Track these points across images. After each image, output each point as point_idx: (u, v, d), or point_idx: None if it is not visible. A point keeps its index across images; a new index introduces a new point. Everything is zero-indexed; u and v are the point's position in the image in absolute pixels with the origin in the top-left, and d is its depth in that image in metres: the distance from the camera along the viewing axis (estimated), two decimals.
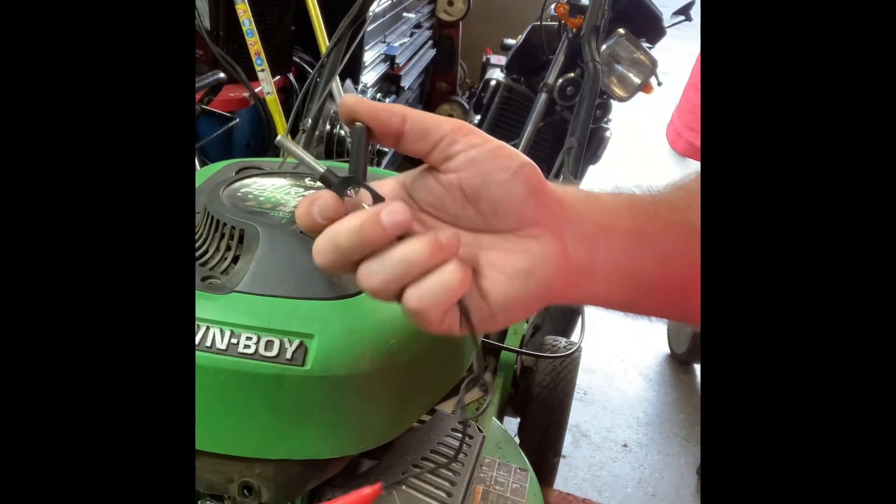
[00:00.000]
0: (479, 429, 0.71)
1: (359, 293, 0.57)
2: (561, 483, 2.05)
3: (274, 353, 0.53)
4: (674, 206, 0.46)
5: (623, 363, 2.67)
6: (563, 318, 1.73)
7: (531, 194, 0.41)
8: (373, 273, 0.40)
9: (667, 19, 2.37)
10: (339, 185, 0.43)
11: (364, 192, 0.43)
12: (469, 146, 0.42)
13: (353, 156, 0.44)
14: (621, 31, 2.08)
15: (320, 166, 0.46)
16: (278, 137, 0.48)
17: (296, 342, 0.53)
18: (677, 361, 2.70)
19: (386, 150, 2.87)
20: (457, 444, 0.68)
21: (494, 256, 0.42)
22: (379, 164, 2.74)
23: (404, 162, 3.71)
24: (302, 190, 0.68)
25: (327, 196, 0.42)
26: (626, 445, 2.26)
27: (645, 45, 2.19)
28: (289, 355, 0.53)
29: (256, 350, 0.53)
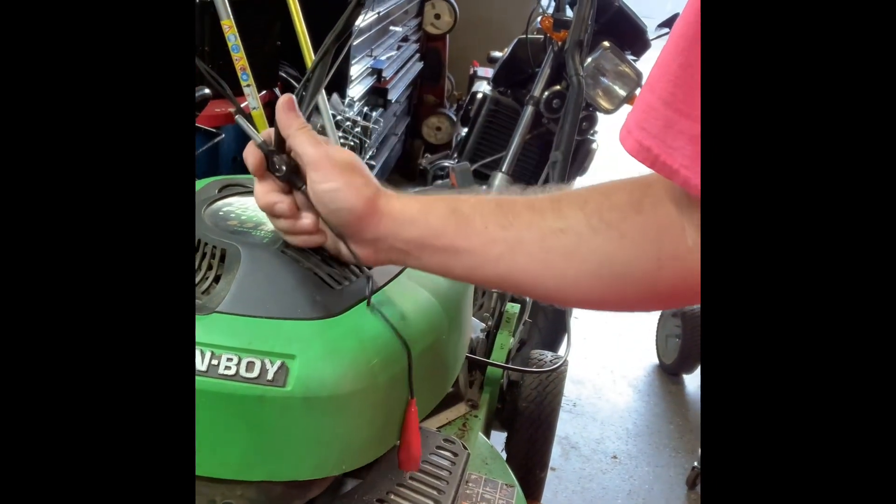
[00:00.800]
0: (463, 446, 0.71)
1: (340, 313, 0.57)
2: (550, 495, 2.05)
3: (255, 374, 0.53)
4: (505, 223, 0.55)
5: (612, 374, 2.68)
6: (550, 331, 1.73)
7: (350, 223, 0.58)
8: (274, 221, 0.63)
9: (651, 32, 2.39)
10: (268, 152, 0.61)
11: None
12: (316, 182, 0.58)
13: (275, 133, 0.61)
14: (606, 44, 2.09)
15: (259, 138, 0.62)
16: (236, 115, 0.65)
17: (277, 363, 0.53)
18: (666, 372, 2.70)
19: (373, 163, 2.88)
20: (441, 461, 0.68)
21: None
22: None
23: (392, 174, 3.72)
24: None
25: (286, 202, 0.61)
26: (615, 457, 2.26)
27: (630, 57, 2.21)
28: (270, 376, 0.53)
29: (237, 371, 0.53)
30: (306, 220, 0.61)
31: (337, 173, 0.58)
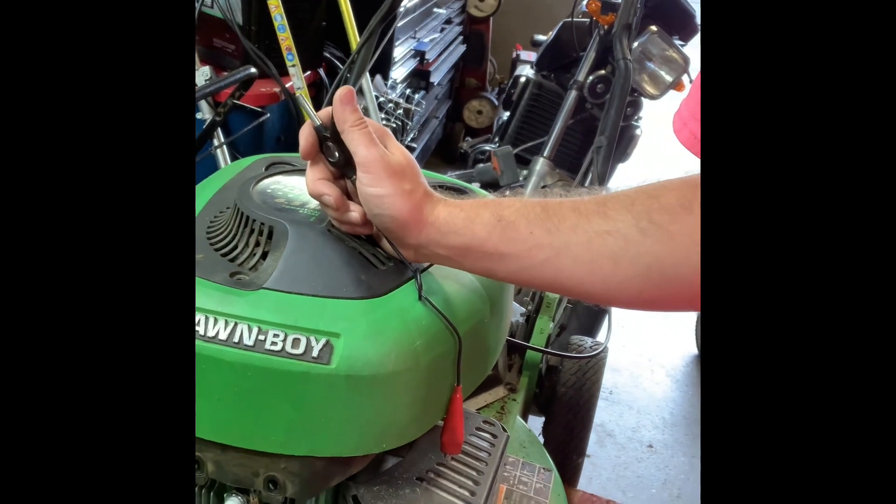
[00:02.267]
0: (503, 428, 0.71)
1: (385, 293, 0.58)
2: (585, 482, 2.04)
3: (301, 350, 0.53)
4: (551, 227, 0.54)
5: (650, 363, 2.65)
6: (589, 317, 1.72)
7: (394, 225, 0.58)
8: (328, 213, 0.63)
9: (700, 16, 2.34)
10: (323, 136, 0.61)
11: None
12: (365, 184, 0.58)
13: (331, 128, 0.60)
14: (653, 28, 2.06)
15: (317, 120, 0.61)
16: (297, 94, 0.66)
17: (322, 341, 0.54)
18: None
19: (414, 146, 2.88)
20: (481, 443, 0.69)
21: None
22: None
23: (433, 156, 3.72)
24: None
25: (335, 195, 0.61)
26: (651, 446, 2.25)
27: (677, 42, 2.17)
28: (315, 353, 0.53)
29: (283, 347, 0.53)
30: (354, 213, 0.61)
31: (386, 178, 0.57)
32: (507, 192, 2.14)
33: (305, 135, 0.61)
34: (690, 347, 2.73)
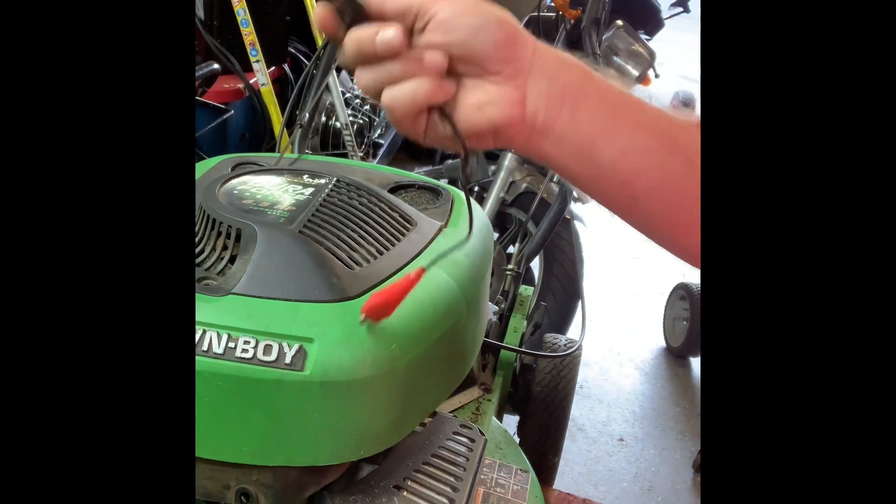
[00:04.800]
0: (480, 432, 0.70)
1: (360, 295, 0.56)
2: (557, 478, 2.04)
3: (273, 357, 0.51)
4: (669, 120, 0.49)
5: (619, 356, 2.67)
6: (560, 312, 1.72)
7: (496, 48, 0.48)
8: (363, 75, 0.49)
9: (665, 11, 2.35)
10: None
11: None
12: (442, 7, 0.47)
13: None
14: (620, 22, 2.06)
15: None
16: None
17: (295, 346, 0.52)
18: (673, 355, 2.69)
19: (381, 142, 2.85)
20: (458, 447, 0.67)
21: (457, 92, 0.50)
22: (375, 157, 2.72)
23: (400, 152, 3.69)
24: (300, 187, 0.67)
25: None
26: (622, 439, 2.26)
27: (643, 36, 2.18)
28: (288, 360, 0.51)
29: (255, 354, 0.51)
30: (434, 54, 0.48)
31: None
32: (476, 188, 2.13)
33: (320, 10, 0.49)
34: (658, 341, 2.76)
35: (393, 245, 0.62)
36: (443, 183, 0.79)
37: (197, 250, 0.59)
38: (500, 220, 2.16)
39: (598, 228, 2.93)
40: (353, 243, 0.60)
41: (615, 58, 2.10)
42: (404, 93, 0.48)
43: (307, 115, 1.18)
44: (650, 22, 2.30)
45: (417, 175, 0.79)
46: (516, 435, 1.32)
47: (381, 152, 2.79)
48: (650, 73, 2.15)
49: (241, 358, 0.51)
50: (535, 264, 2.12)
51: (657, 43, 2.23)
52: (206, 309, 0.53)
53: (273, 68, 2.10)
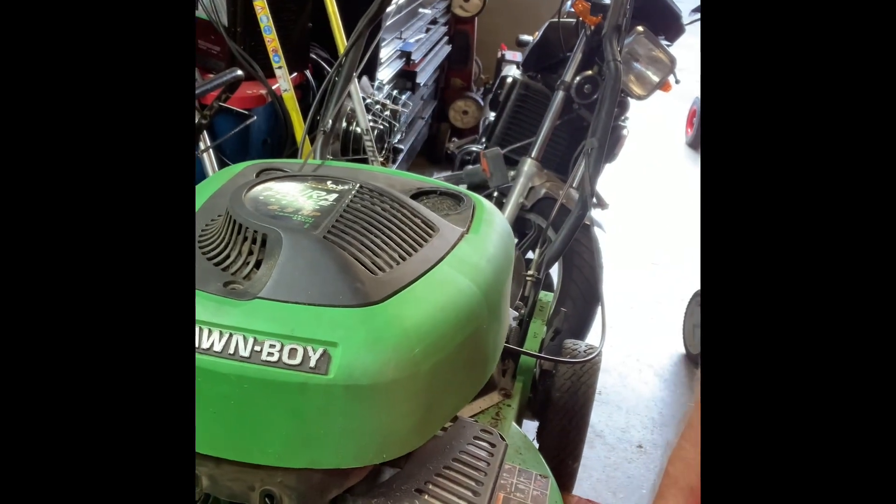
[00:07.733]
0: (501, 437, 0.70)
1: (383, 300, 0.56)
2: (575, 484, 2.04)
3: (297, 361, 0.52)
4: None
5: (638, 363, 2.65)
6: (579, 319, 1.71)
7: None
8: None
9: (686, 17, 2.34)
10: None
11: None
12: None
13: None
14: (640, 28, 2.05)
15: None
16: None
17: (319, 350, 0.52)
18: (692, 361, 2.68)
19: (401, 147, 2.86)
20: (479, 452, 0.68)
21: None
22: (394, 162, 2.73)
23: (419, 157, 3.70)
24: (324, 193, 0.68)
25: None
26: (640, 446, 2.25)
27: (664, 42, 2.17)
28: (312, 363, 0.52)
29: (280, 358, 0.52)
30: None
31: None
32: (495, 194, 2.14)
33: None
34: (678, 347, 2.74)
35: (416, 251, 0.63)
36: (463, 189, 0.80)
37: (223, 255, 0.60)
38: (520, 226, 2.15)
39: (617, 234, 2.92)
40: (376, 249, 0.61)
41: (635, 64, 2.10)
42: None
43: (330, 121, 1.19)
44: (671, 28, 2.28)
45: (439, 181, 0.79)
46: (535, 440, 1.32)
47: (400, 157, 2.80)
48: (671, 78, 2.14)
49: (266, 361, 0.52)
50: (555, 270, 2.12)
51: (678, 49, 2.22)
52: (232, 313, 0.54)
53: (295, 74, 2.12)
